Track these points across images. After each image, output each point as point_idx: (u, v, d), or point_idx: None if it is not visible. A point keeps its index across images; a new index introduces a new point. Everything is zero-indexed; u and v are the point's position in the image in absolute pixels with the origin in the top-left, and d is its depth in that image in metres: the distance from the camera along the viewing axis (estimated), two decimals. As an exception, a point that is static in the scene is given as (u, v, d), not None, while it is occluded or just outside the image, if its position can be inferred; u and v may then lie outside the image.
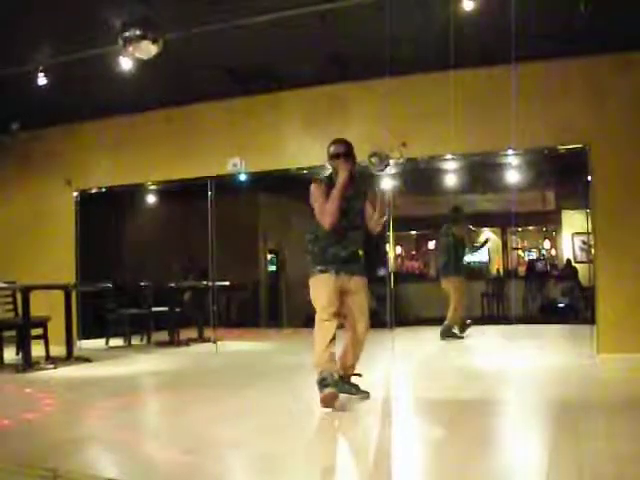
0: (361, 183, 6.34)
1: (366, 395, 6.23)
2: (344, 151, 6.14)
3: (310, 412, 5.77)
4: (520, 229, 19.43)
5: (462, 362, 9.28)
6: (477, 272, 17.87)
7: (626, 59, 8.78)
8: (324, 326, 5.89)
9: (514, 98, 8.38)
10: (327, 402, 5.67)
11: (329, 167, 6.27)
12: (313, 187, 6.17)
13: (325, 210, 6.00)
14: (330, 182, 6.12)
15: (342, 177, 6.00)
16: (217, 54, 9.05)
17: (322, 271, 6.04)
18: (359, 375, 6.30)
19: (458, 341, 11.16)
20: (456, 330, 11.33)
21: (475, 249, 13.51)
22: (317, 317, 5.96)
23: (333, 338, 5.85)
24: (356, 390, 6.24)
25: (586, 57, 8.85)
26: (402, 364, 8.98)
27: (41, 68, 9.07)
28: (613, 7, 7.48)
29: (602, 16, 7.56)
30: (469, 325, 11.58)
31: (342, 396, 5.98)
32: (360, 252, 6.20)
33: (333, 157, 6.17)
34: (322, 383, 5.74)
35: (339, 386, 5.90)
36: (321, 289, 6.03)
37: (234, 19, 7.84)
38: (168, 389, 7.63)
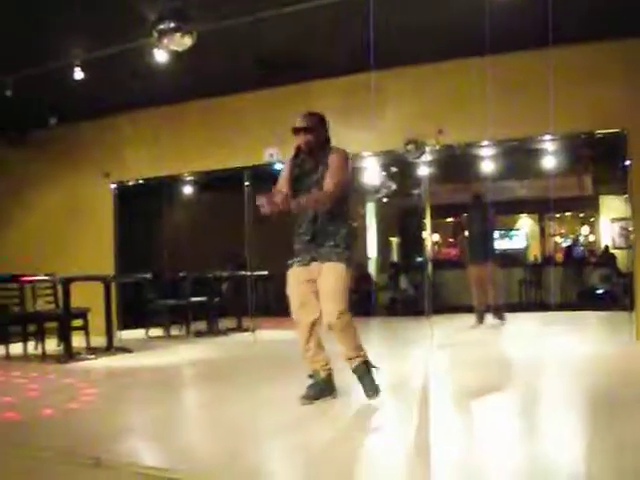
0: (325, 152, 5.71)
1: (375, 393, 5.64)
2: (301, 126, 5.71)
3: (346, 403, 5.76)
4: (557, 215, 19.32)
5: (500, 349, 9.26)
6: (514, 259, 17.78)
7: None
8: (296, 327, 5.79)
9: (551, 83, 8.31)
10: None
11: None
12: None
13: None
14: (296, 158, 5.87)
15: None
16: (251, 45, 9.06)
17: (291, 264, 5.82)
18: (374, 367, 5.80)
19: (496, 328, 11.17)
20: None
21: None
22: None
23: (310, 335, 5.70)
24: (366, 386, 5.68)
25: (624, 40, 8.74)
26: (441, 352, 8.95)
27: (77, 62, 9.16)
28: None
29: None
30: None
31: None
32: (332, 232, 5.64)
33: (293, 133, 5.77)
34: (310, 379, 5.77)
35: (320, 385, 5.73)
36: (289, 286, 5.83)
37: (266, 9, 7.86)
38: (207, 379, 7.67)
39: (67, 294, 8.99)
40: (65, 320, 9.19)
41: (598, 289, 15.33)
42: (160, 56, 8.53)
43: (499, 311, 11.59)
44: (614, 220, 17.62)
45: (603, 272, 15.68)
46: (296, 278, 5.77)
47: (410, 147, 9.61)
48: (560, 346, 9.11)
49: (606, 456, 3.94)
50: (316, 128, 5.73)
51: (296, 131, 5.71)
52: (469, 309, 11.71)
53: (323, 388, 5.75)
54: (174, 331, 11.93)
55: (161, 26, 7.49)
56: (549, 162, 12.16)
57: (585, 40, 8.79)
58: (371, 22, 7.17)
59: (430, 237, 11.53)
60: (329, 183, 5.52)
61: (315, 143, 5.71)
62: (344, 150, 5.78)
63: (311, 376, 5.79)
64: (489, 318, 11.51)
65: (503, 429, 4.80)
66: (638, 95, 8.81)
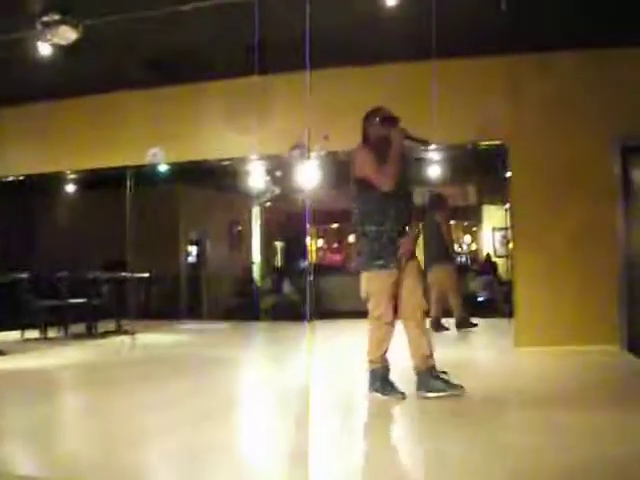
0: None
1: (460, 391, 5.75)
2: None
3: (221, 404, 5.72)
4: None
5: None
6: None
7: (543, 59, 8.89)
8: (381, 325, 5.75)
9: (436, 94, 8.44)
10: None
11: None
12: (363, 152, 5.92)
13: (385, 172, 5.68)
14: (376, 149, 5.86)
15: (398, 140, 5.81)
16: (140, 42, 8.94)
17: (381, 267, 5.66)
18: (444, 372, 5.89)
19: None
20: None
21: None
22: (371, 317, 5.78)
23: (391, 333, 5.77)
24: (444, 386, 5.77)
25: (507, 56, 8.95)
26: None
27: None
28: (531, 7, 7.59)
29: (523, 15, 7.67)
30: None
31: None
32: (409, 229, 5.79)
33: (390, 123, 5.94)
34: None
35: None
36: (380, 287, 5.70)
37: (156, 6, 7.75)
38: (84, 382, 7.54)
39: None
40: None
41: (479, 296, 15.62)
42: (45, 49, 8.29)
43: None
44: (495, 229, 18.11)
45: (484, 279, 16.02)
46: (388, 280, 5.69)
47: (295, 152, 9.62)
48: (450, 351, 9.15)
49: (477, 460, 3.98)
50: None
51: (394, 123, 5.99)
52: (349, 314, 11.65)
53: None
54: (51, 333, 11.63)
55: (45, 18, 7.31)
56: (436, 172, 12.34)
57: (472, 54, 8.96)
58: (257, 27, 7.16)
59: (314, 242, 11.56)
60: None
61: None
62: None
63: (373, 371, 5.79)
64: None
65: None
66: (519, 110, 9.03)
